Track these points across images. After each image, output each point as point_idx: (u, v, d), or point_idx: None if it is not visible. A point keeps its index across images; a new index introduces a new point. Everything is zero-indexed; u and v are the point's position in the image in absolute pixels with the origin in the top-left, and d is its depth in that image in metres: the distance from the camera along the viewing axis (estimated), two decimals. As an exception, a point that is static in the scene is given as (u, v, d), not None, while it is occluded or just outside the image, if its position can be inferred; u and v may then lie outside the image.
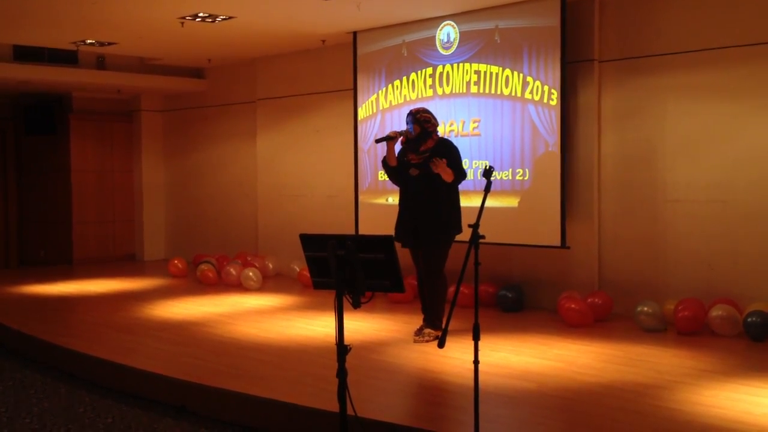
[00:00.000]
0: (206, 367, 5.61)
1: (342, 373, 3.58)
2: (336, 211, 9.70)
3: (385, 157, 6.45)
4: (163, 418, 5.04)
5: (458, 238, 6.29)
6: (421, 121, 6.26)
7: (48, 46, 9.94)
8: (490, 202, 3.92)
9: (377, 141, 6.59)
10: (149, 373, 5.51)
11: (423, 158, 6.26)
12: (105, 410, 5.24)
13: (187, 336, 6.72)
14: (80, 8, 7.61)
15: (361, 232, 8.87)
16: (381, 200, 8.72)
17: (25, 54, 10.04)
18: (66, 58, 10.36)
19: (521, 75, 7.57)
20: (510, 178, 7.68)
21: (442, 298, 6.35)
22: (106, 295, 9.14)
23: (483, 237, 3.82)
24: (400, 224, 6.44)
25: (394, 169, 6.43)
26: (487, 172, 4.02)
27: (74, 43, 9.47)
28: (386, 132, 6.46)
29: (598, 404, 4.65)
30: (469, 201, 7.03)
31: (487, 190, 3.98)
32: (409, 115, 6.34)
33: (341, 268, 3.63)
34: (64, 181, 12.20)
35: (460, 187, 6.38)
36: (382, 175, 7.97)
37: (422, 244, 6.30)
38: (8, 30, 8.80)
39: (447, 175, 6.12)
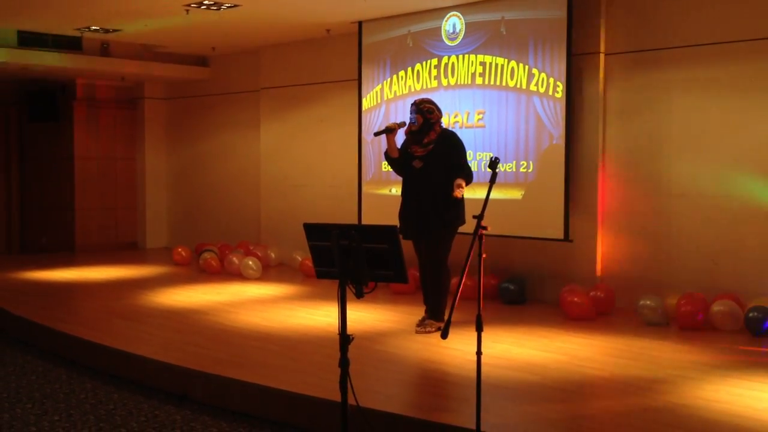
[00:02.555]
0: (208, 355, 5.61)
1: (344, 363, 3.58)
2: (339, 202, 9.69)
3: (386, 149, 6.43)
4: (165, 405, 5.04)
5: (462, 229, 6.28)
6: (424, 111, 6.23)
7: (52, 32, 9.92)
8: (494, 194, 3.91)
9: (376, 134, 6.59)
10: (151, 360, 5.52)
11: (426, 150, 6.24)
12: (106, 397, 5.25)
13: (189, 324, 6.72)
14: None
15: (365, 222, 8.86)
16: (384, 191, 8.71)
17: (29, 40, 10.01)
18: (70, 44, 10.34)
19: (527, 67, 7.54)
20: (514, 170, 7.66)
21: (444, 289, 6.33)
22: (108, 282, 9.16)
23: (486, 228, 3.80)
24: (402, 216, 6.42)
25: (397, 160, 6.41)
26: (493, 164, 4.00)
27: (78, 29, 9.45)
28: (387, 124, 6.43)
29: (600, 397, 4.65)
30: (473, 192, 6.99)
31: (492, 181, 3.96)
32: (412, 105, 6.30)
33: (344, 258, 3.62)
34: (66, 168, 12.19)
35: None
36: (386, 166, 7.95)
37: (425, 236, 6.29)
38: (13, 15, 8.77)
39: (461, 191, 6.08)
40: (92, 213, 12.33)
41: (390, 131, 6.31)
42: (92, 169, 12.33)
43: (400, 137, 6.47)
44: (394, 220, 6.38)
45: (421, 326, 6.29)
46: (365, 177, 8.99)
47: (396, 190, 7.83)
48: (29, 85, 12.10)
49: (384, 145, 6.48)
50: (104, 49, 10.87)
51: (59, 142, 12.27)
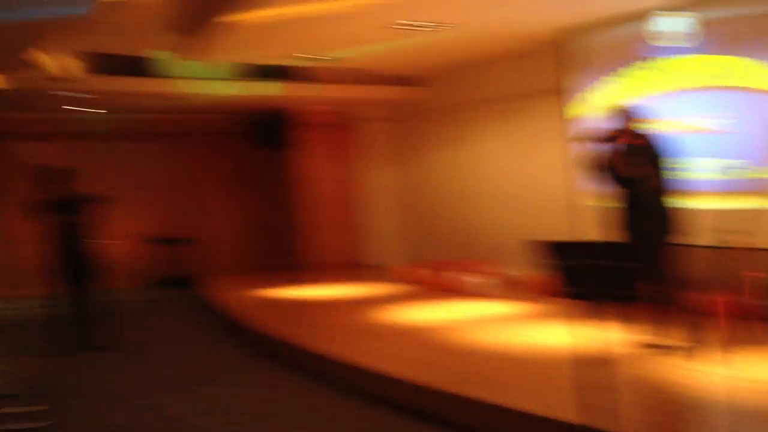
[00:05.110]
0: (445, 373, 5.73)
1: (589, 384, 3.49)
2: (552, 215, 9.49)
3: (594, 158, 6.22)
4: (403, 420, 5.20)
5: (692, 241, 5.87)
6: (627, 118, 6.07)
7: (268, 64, 10.48)
8: (737, 203, 3.64)
9: (581, 143, 6.41)
10: (404, 381, 5.66)
11: (631, 157, 5.99)
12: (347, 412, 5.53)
13: (424, 341, 6.90)
14: (294, 26, 7.89)
15: (579, 236, 8.56)
16: (598, 202, 8.36)
17: (249, 72, 10.59)
18: (285, 73, 10.84)
19: (768, 65, 6.92)
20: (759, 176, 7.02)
21: (677, 306, 5.89)
22: (345, 299, 9.67)
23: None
24: (619, 228, 6.16)
25: (606, 169, 6.17)
26: (729, 171, 3.73)
27: (294, 59, 9.92)
28: (591, 132, 6.27)
29: None
30: (707, 202, 6.54)
31: (732, 191, 3.69)
32: (614, 112, 6.16)
33: (594, 277, 3.55)
34: (293, 190, 12.96)
35: (694, 186, 5.98)
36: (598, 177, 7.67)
37: (647, 248, 5.91)
38: (239, 51, 9.30)
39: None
40: (324, 232, 12.94)
41: (594, 139, 6.17)
42: (320, 191, 13.01)
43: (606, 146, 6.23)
44: (608, 233, 6.13)
45: (659, 347, 5.93)
46: (579, 188, 8.69)
47: (609, 202, 7.52)
48: (254, 114, 12.98)
49: (591, 152, 6.28)
50: (318, 76, 11.37)
51: (283, 167, 13.06)
